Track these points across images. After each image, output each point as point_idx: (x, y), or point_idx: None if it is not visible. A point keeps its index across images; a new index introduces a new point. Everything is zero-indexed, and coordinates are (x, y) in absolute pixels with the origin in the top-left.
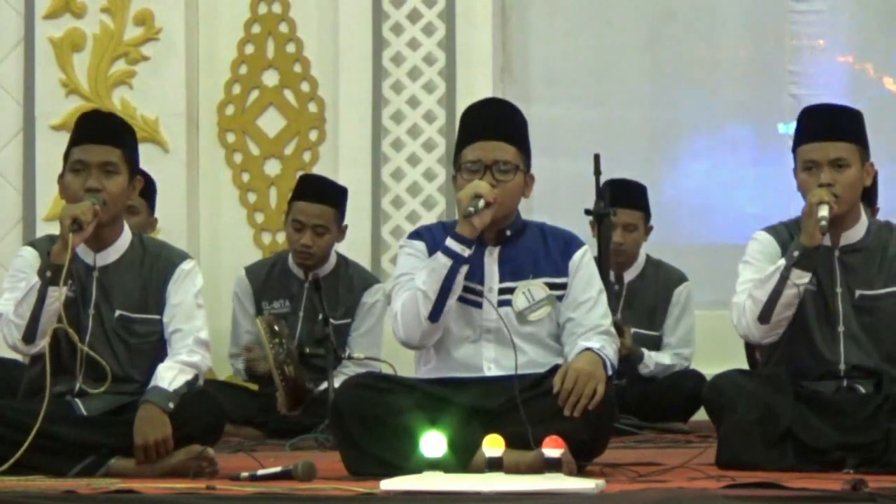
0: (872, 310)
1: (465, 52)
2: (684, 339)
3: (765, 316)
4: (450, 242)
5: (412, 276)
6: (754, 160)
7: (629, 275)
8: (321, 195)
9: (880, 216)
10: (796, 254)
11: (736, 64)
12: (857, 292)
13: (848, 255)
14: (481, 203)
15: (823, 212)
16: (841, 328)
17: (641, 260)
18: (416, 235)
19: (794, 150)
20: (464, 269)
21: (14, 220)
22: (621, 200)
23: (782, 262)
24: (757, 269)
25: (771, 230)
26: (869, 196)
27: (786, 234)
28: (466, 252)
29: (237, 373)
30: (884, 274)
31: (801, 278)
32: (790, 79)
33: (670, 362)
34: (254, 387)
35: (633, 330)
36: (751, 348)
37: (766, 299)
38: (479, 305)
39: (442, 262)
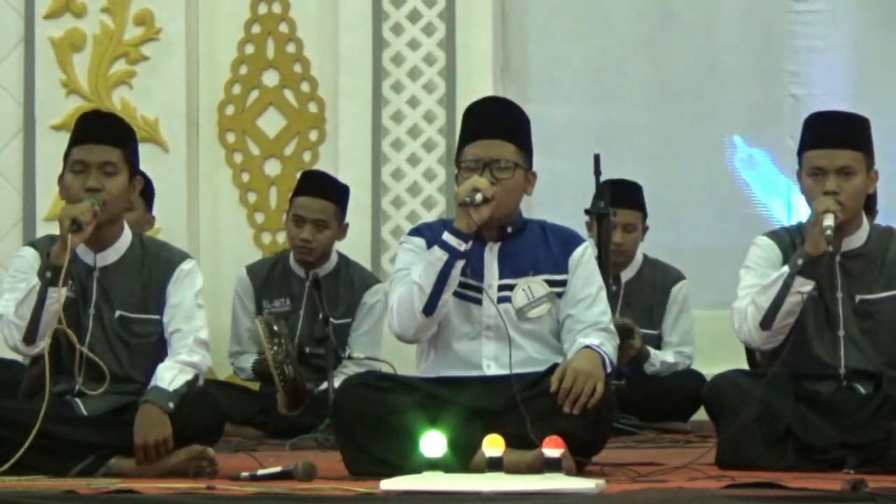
0: (873, 314)
1: (465, 52)
2: (684, 337)
3: (767, 322)
4: (446, 237)
5: (410, 272)
6: (754, 161)
7: (626, 274)
8: (322, 191)
9: (880, 218)
10: (800, 261)
11: (736, 64)
12: (858, 297)
13: (849, 260)
14: (479, 197)
15: (829, 221)
16: (841, 332)
17: (638, 259)
18: (416, 232)
19: (800, 154)
20: (459, 263)
21: (14, 220)
22: (620, 201)
23: (786, 269)
24: (758, 274)
25: (773, 235)
26: (869, 201)
27: (787, 239)
28: (463, 247)
29: (238, 371)
30: (884, 279)
31: (805, 286)
32: (790, 79)
33: (674, 360)
34: (254, 386)
35: None
36: (751, 350)
37: (768, 306)
38: (478, 302)
39: (438, 255)
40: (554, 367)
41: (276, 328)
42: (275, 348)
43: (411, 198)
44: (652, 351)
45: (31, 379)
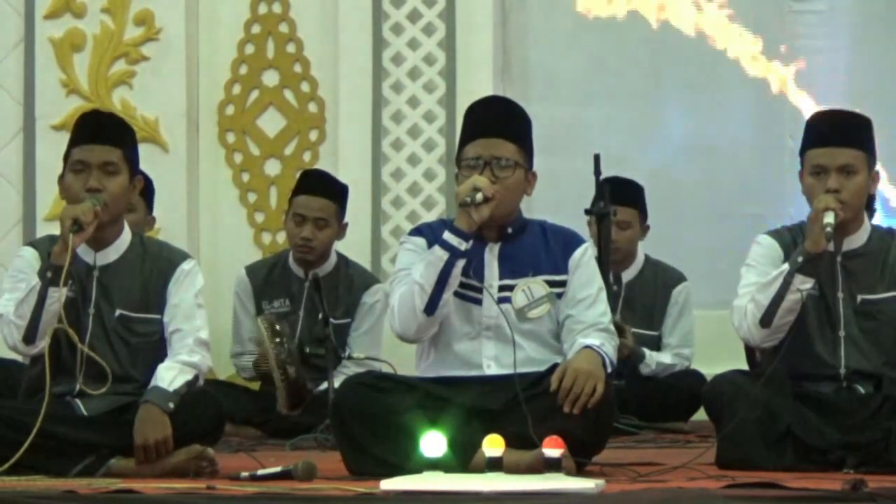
0: (874, 314)
1: (465, 52)
2: (684, 338)
3: (766, 320)
4: (447, 236)
5: (410, 272)
6: (754, 160)
7: (628, 275)
8: (323, 189)
9: (877, 217)
10: (800, 259)
11: (735, 64)
12: (859, 297)
13: (850, 260)
14: (479, 196)
15: (829, 218)
16: (842, 332)
17: (640, 260)
18: (416, 232)
19: (802, 153)
20: (460, 263)
21: (14, 220)
22: (615, 198)
23: (786, 266)
24: (759, 272)
25: (774, 234)
26: (868, 200)
27: (789, 238)
28: (463, 246)
29: (241, 371)
30: (885, 279)
31: (805, 284)
32: (790, 79)
33: (671, 361)
34: (254, 386)
35: (632, 330)
36: (751, 349)
37: (768, 303)
38: (478, 302)
39: (438, 254)
40: (554, 366)
41: (278, 327)
42: (278, 348)
43: (411, 198)
44: (647, 352)
45: (31, 379)
